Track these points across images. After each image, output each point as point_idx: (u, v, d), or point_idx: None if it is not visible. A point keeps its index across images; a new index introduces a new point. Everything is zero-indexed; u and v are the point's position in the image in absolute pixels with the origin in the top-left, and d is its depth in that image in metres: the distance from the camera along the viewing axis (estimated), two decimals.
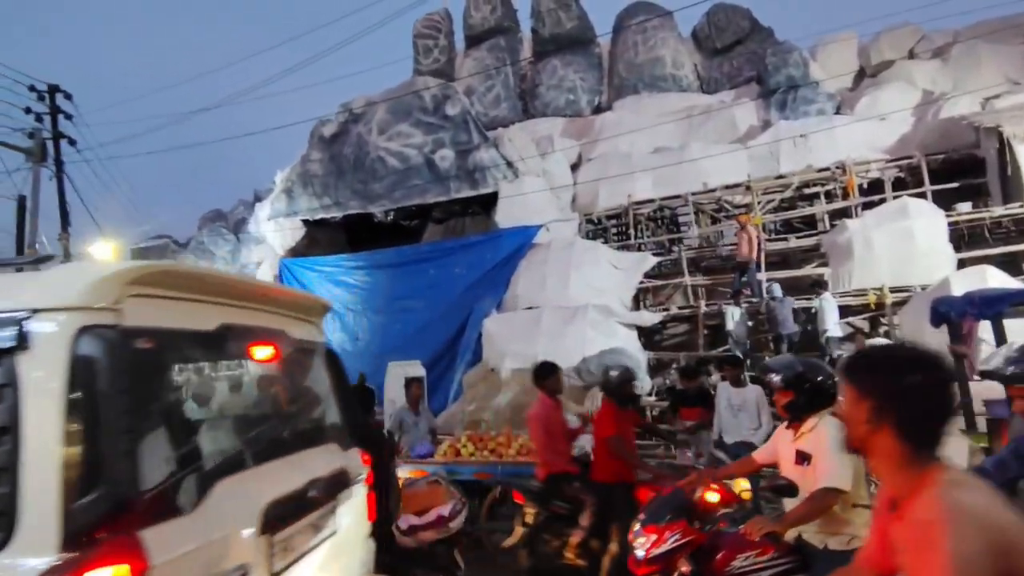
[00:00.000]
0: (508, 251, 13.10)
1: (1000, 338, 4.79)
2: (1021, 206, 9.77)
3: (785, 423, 2.90)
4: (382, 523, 3.42)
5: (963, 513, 1.13)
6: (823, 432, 2.65)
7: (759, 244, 11.11)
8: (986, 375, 2.44)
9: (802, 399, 2.76)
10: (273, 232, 16.02)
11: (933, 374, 1.28)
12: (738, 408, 5.73)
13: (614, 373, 4.73)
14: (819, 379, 2.77)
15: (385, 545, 3.48)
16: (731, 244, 12.25)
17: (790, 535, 2.67)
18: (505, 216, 13.99)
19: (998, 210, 10.16)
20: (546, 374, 4.85)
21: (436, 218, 16.96)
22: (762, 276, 11.18)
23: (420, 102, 14.76)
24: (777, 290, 10.04)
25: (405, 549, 3.63)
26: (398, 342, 13.29)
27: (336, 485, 2.47)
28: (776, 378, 2.83)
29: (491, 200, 14.61)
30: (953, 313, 5.13)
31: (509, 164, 14.09)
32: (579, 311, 11.03)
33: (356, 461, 2.76)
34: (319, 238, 16.88)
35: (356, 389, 5.72)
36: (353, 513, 2.61)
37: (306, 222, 16.21)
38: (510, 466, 5.49)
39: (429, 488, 3.92)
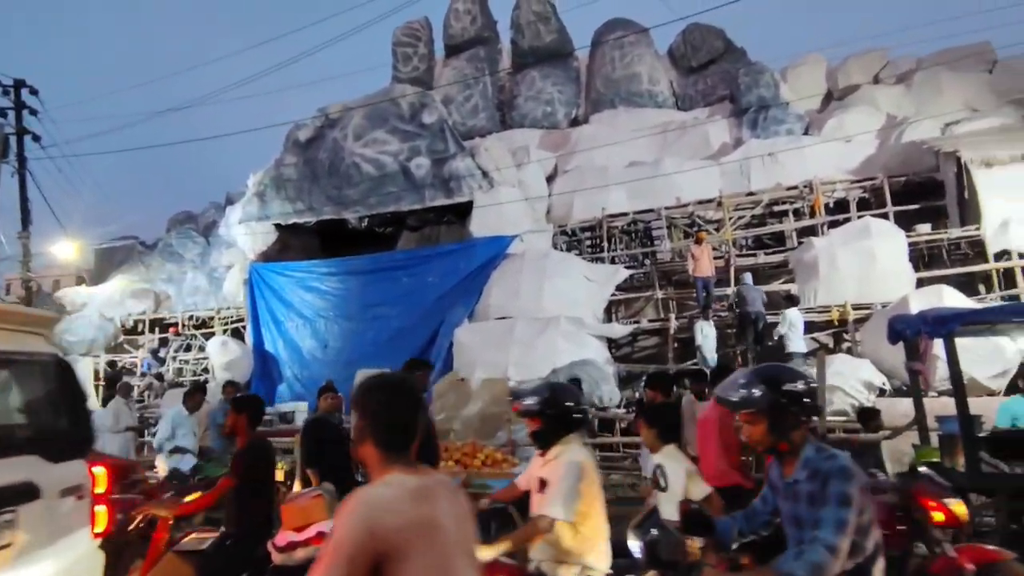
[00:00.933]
0: (482, 260, 13.12)
1: (951, 356, 4.94)
2: (976, 229, 10.12)
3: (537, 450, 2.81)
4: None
5: (360, 504, 1.38)
6: (562, 460, 2.57)
7: (727, 262, 11.36)
8: (720, 401, 2.40)
9: (547, 426, 2.65)
10: (244, 236, 15.79)
11: (389, 395, 1.59)
12: None
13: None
14: (565, 405, 2.67)
15: (260, 564, 3.35)
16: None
17: (534, 563, 2.60)
18: (480, 226, 14.02)
19: (955, 232, 10.53)
20: (723, 379, 4.65)
21: (411, 226, 16.89)
22: (730, 291, 11.40)
23: (397, 109, 14.75)
24: (748, 278, 10.45)
25: (281, 568, 3.42)
26: (370, 350, 13.17)
27: (11, 497, 2.41)
28: (525, 404, 2.72)
29: (466, 209, 14.62)
30: (908, 331, 5.27)
31: (485, 174, 14.14)
32: (551, 322, 11.08)
33: (67, 472, 2.69)
34: (292, 243, 16.68)
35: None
36: (48, 526, 2.54)
37: (279, 227, 16.02)
38: (475, 476, 5.46)
39: (311, 502, 3.69)
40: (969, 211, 10.44)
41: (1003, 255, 9.91)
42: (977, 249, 10.25)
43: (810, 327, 10.60)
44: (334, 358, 13.73)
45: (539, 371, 10.14)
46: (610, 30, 19.21)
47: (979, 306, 7.62)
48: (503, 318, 11.92)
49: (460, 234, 14.84)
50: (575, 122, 18.50)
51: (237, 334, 15.49)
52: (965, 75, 12.86)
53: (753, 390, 2.04)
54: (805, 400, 2.03)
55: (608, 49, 18.85)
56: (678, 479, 3.33)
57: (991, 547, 3.48)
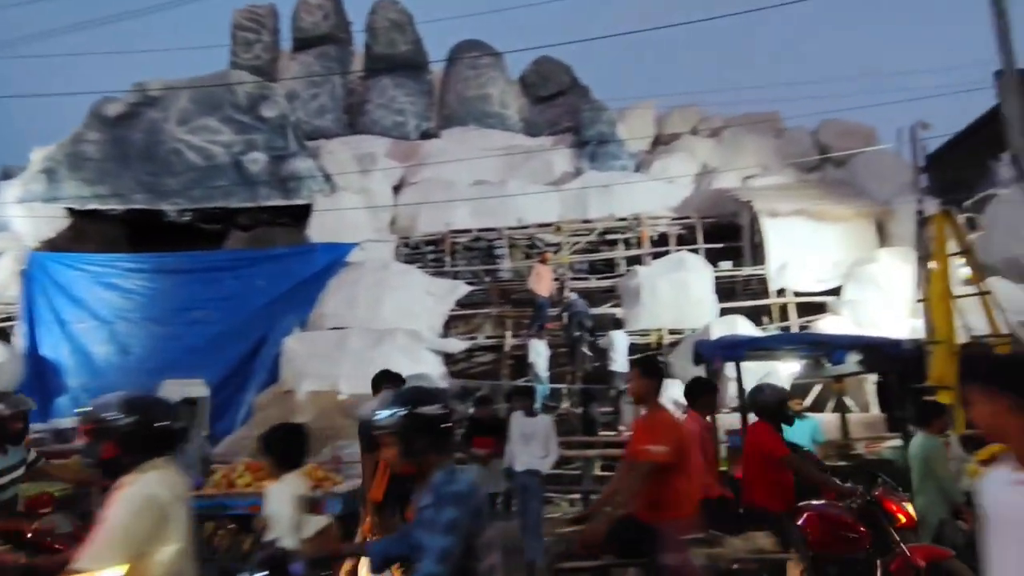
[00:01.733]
0: (319, 267, 12.44)
1: (739, 377, 5.66)
2: (762, 268, 11.83)
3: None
4: None
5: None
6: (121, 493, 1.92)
7: (562, 284, 12.01)
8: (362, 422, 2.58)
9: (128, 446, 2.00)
10: (23, 218, 13.35)
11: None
12: (529, 437, 5.97)
13: (767, 391, 4.31)
14: (155, 421, 2.05)
15: None
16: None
17: None
18: (319, 231, 13.32)
19: (747, 270, 12.21)
20: (702, 392, 4.59)
21: (242, 224, 15.52)
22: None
23: (233, 97, 13.56)
24: (575, 296, 11.11)
25: None
26: (183, 357, 11.79)
27: None
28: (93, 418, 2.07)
29: (304, 212, 13.80)
30: (707, 354, 5.95)
31: (327, 177, 13.50)
32: (387, 334, 10.81)
33: None
34: (89, 231, 14.43)
35: None
36: None
37: (73, 212, 13.79)
38: None
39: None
40: (759, 253, 12.16)
41: (781, 292, 11.68)
42: (763, 286, 11.95)
43: (633, 349, 11.54)
44: (136, 366, 12.07)
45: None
46: (465, 49, 19.55)
47: (761, 334, 8.86)
48: (338, 328, 11.38)
49: (297, 238, 13.95)
50: (425, 135, 18.46)
51: (3, 335, 12.98)
52: (759, 137, 15.12)
53: (391, 412, 2.04)
54: (439, 424, 2.04)
55: (462, 67, 19.15)
56: (284, 512, 3.17)
57: (937, 547, 3.90)
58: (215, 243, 15.13)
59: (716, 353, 5.86)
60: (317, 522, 3.07)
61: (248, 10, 19.68)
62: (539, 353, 10.88)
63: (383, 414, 2.05)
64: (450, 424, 2.08)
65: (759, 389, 4.43)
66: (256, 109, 13.50)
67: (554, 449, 6.05)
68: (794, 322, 11.39)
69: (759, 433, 4.21)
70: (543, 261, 11.45)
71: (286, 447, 3.39)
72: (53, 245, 13.91)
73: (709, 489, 4.16)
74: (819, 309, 11.57)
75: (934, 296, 6.24)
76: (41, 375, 12.15)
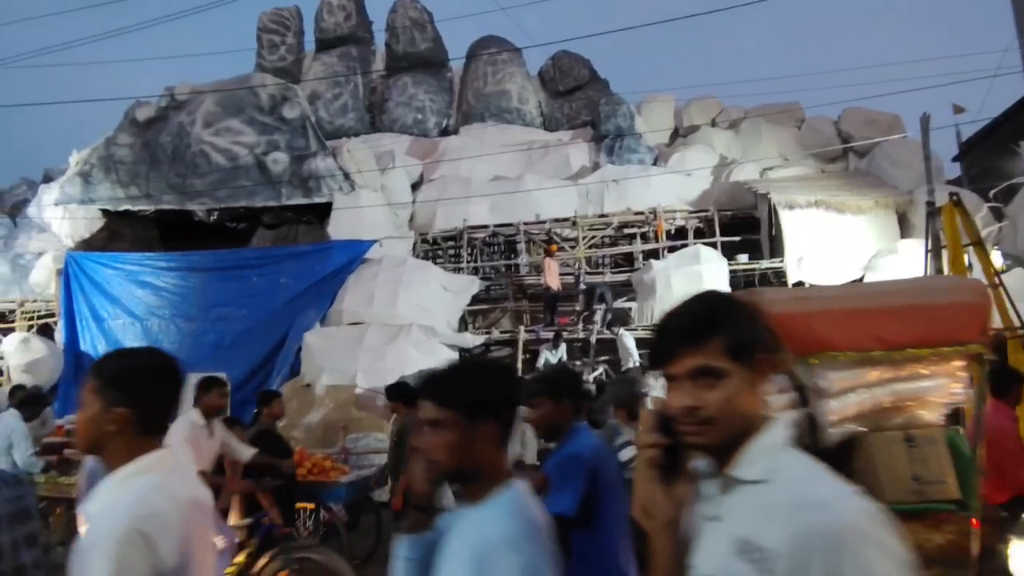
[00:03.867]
0: (338, 264, 12.73)
1: None
2: (780, 261, 11.68)
3: None
4: None
5: None
6: None
7: (577, 277, 12.08)
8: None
9: None
10: (62, 220, 13.99)
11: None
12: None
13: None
14: None
15: None
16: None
17: None
18: (338, 228, 13.63)
19: (764, 263, 12.06)
20: (1012, 381, 4.09)
21: (267, 223, 15.99)
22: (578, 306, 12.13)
23: (255, 99, 13.95)
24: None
25: None
26: (210, 352, 12.22)
27: None
28: None
29: (327, 210, 14.14)
30: None
31: (346, 175, 13.78)
32: (403, 330, 11.04)
33: None
34: (123, 232, 15.06)
35: None
36: None
37: (107, 213, 14.40)
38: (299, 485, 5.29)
39: None
40: (777, 245, 12.01)
41: (799, 285, 11.51)
42: (781, 279, 11.80)
43: (648, 343, 11.56)
44: None
45: (387, 379, 10.01)
46: (484, 46, 19.65)
47: None
48: (356, 323, 11.66)
49: (319, 235, 14.30)
50: (445, 132, 18.65)
51: (46, 331, 13.64)
52: (780, 128, 14.85)
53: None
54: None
55: (481, 64, 19.25)
56: None
57: None
58: (242, 241, 15.61)
59: None
60: None
61: (273, 12, 20.10)
62: (550, 364, 10.93)
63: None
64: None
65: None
66: (278, 110, 13.86)
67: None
68: None
69: (1003, 415, 3.81)
70: (549, 254, 11.52)
71: None
72: (89, 245, 14.56)
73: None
74: None
75: None
76: (80, 369, 12.73)
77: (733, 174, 13.96)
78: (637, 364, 10.67)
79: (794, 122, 15.33)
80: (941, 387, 2.38)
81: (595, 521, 2.16)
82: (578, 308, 12.34)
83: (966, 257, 6.42)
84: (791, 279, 11.51)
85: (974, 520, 2.26)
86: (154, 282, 13.39)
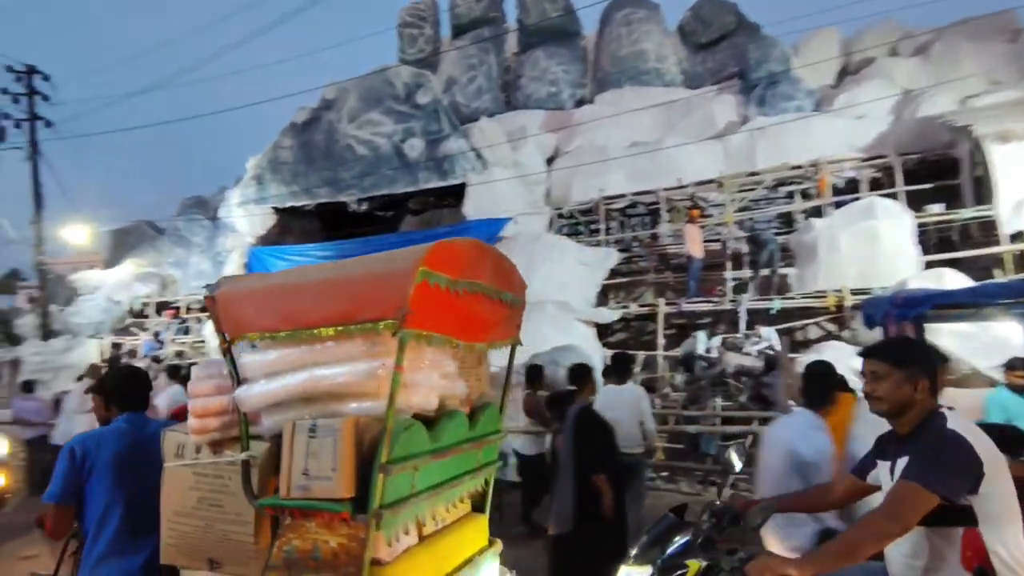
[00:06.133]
0: None
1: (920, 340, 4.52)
2: (989, 208, 9.45)
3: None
4: None
5: None
6: None
7: (725, 244, 10.91)
8: None
9: None
10: (243, 219, 15.84)
11: None
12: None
13: None
14: None
15: None
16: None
17: None
18: (474, 208, 13.76)
19: (966, 212, 9.86)
20: None
21: (412, 209, 16.75)
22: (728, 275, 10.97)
23: (391, 89, 14.52)
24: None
25: None
26: None
27: None
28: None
29: (464, 192, 14.37)
30: (877, 315, 4.87)
31: (478, 155, 13.84)
32: (537, 307, 10.76)
33: None
34: (291, 226, 16.70)
35: None
36: None
37: (278, 210, 16.02)
38: None
39: None
40: (983, 190, 9.75)
41: (1017, 237, 9.23)
42: (991, 230, 9.57)
43: (808, 313, 10.12)
44: None
45: (524, 357, 9.88)
46: (619, 6, 18.59)
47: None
48: None
49: (459, 218, 14.61)
50: (580, 103, 18.01)
51: None
52: (986, 45, 11.98)
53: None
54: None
55: (616, 26, 18.25)
56: None
57: None
58: (391, 228, 16.51)
59: (889, 312, 4.76)
60: None
61: (412, 6, 20.87)
62: (706, 344, 9.96)
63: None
64: None
65: None
66: (412, 98, 14.29)
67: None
68: None
69: None
70: (691, 220, 10.49)
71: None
72: (266, 240, 16.35)
73: None
74: None
75: None
76: None
77: (921, 109, 11.60)
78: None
79: (1007, 35, 12.30)
80: (364, 371, 1.98)
81: None
82: (726, 275, 11.17)
83: None
84: (1005, 230, 9.28)
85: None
86: None
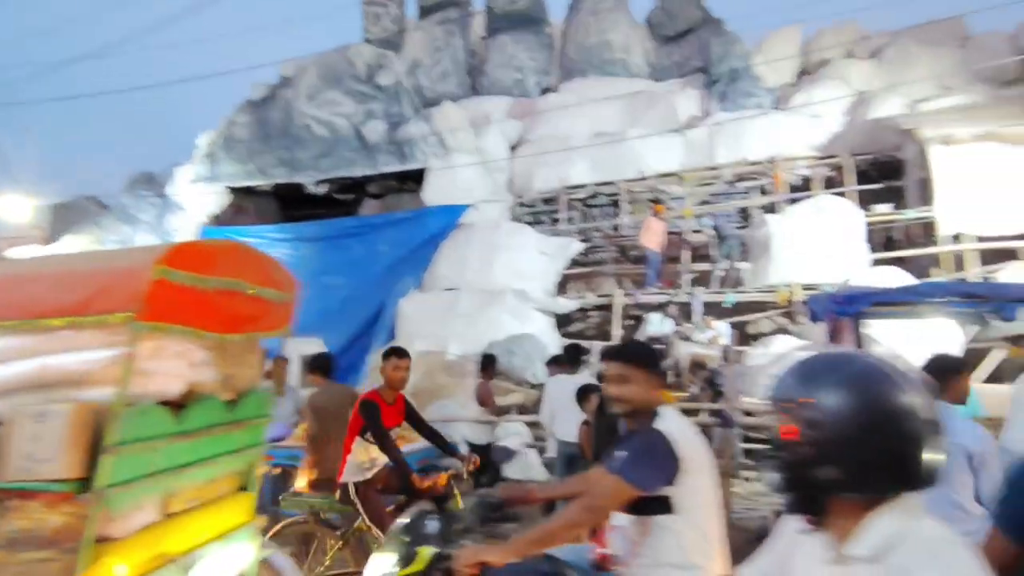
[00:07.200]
0: (434, 230, 12.72)
1: (858, 337, 4.66)
2: (929, 210, 9.80)
3: None
4: None
5: None
6: None
7: (681, 237, 11.05)
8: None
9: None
10: (195, 198, 15.27)
11: None
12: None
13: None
14: None
15: None
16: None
17: None
18: (435, 194, 13.58)
19: (910, 213, 10.21)
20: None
21: (372, 193, 16.41)
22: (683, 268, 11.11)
23: (352, 69, 14.14)
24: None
25: None
26: (317, 320, 12.80)
27: None
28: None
29: (424, 177, 14.15)
30: (821, 311, 4.98)
31: (440, 140, 13.63)
32: (496, 296, 10.76)
33: None
34: (247, 207, 16.18)
35: None
36: None
37: (232, 189, 15.49)
38: None
39: None
40: (927, 191, 10.10)
41: (958, 238, 9.61)
42: (932, 231, 9.94)
43: (761, 307, 10.35)
44: None
45: (480, 345, 9.85)
46: None
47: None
48: (450, 289, 11.58)
49: (420, 203, 14.39)
50: (546, 91, 17.89)
51: None
52: (936, 50, 12.37)
53: None
54: None
55: (583, 15, 18.15)
56: None
57: None
58: (351, 211, 16.15)
59: (830, 309, 4.87)
60: None
61: None
62: (658, 324, 10.10)
63: None
64: None
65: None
66: (373, 78, 13.96)
67: None
68: (973, 273, 9.35)
69: None
70: (655, 214, 10.58)
71: None
72: (219, 220, 15.80)
73: None
74: (1009, 256, 9.37)
75: None
76: None
77: (872, 110, 11.93)
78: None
79: (956, 42, 12.72)
80: (100, 360, 2.16)
81: None
82: (682, 268, 11.33)
83: None
84: (943, 231, 9.66)
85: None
86: (270, 252, 14.16)
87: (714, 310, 10.26)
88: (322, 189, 16.11)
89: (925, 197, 10.26)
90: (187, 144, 17.55)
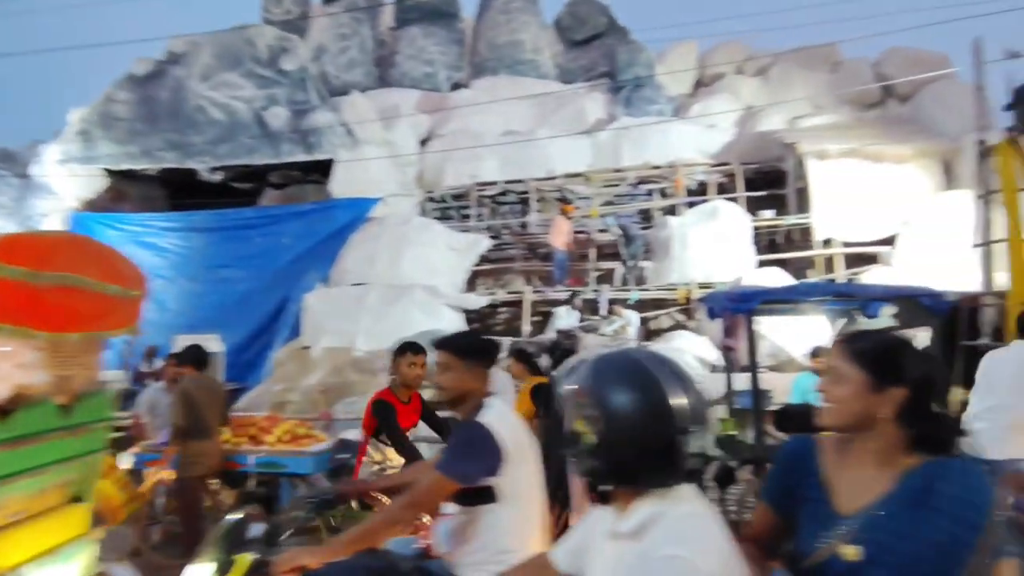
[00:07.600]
0: (341, 223, 12.32)
1: (750, 333, 5.06)
2: (807, 217, 10.83)
3: None
4: None
5: None
6: None
7: (588, 236, 11.46)
8: None
9: None
10: (65, 179, 13.78)
11: None
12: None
13: None
14: None
15: None
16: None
17: None
18: (343, 186, 13.14)
19: (790, 219, 11.22)
20: None
21: (274, 183, 15.57)
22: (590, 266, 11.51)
23: (252, 50, 13.36)
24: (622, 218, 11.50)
25: None
26: (213, 314, 12.04)
27: None
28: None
29: (330, 168, 13.65)
30: (717, 308, 5.35)
31: (348, 131, 13.21)
32: (406, 291, 10.61)
33: None
34: (128, 192, 14.82)
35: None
36: None
37: (110, 172, 14.14)
38: (265, 455, 4.93)
39: None
40: (804, 200, 11.15)
41: (828, 243, 10.69)
42: (807, 236, 10.98)
43: (662, 304, 10.95)
44: (171, 322, 12.39)
45: (389, 341, 9.66)
46: None
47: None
48: (358, 284, 11.28)
49: (326, 195, 13.86)
50: (457, 86, 17.84)
51: None
52: (813, 73, 13.70)
53: None
54: None
55: (494, 13, 18.27)
56: None
57: None
58: (250, 201, 15.24)
59: (725, 306, 5.25)
60: None
61: None
62: (564, 318, 10.39)
63: None
64: None
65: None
66: (276, 62, 13.27)
67: None
68: (841, 274, 10.44)
69: None
70: (563, 213, 10.89)
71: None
72: (94, 206, 14.37)
73: None
74: (871, 261, 10.56)
75: (1013, 241, 5.41)
76: None
77: (759, 124, 12.98)
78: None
79: (829, 66, 14.13)
80: None
81: None
82: (589, 266, 11.74)
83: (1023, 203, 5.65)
84: (817, 236, 10.70)
85: None
86: (157, 243, 13.18)
87: (619, 306, 10.73)
88: (217, 176, 15.04)
89: (803, 205, 11.31)
90: (54, 121, 15.80)
